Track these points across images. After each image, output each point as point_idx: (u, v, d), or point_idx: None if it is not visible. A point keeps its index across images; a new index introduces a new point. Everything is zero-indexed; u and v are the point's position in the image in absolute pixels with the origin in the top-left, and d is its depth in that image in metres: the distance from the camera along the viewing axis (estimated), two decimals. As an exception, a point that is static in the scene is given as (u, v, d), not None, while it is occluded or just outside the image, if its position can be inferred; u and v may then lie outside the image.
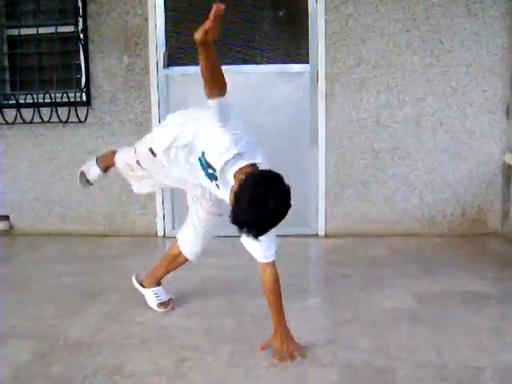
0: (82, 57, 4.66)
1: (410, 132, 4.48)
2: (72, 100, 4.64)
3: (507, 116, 4.41)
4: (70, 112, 4.64)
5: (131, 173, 2.99)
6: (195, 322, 2.94)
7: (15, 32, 4.78)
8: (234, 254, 3.39)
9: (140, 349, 2.65)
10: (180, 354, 2.57)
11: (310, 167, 4.58)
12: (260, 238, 2.20)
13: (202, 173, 2.53)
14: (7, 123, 4.69)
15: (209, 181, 2.53)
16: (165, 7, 4.56)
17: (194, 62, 4.53)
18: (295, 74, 4.55)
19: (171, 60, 4.61)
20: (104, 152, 3.34)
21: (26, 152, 4.84)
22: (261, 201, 2.09)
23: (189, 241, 3.00)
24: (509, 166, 4.39)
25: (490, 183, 4.50)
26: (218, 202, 2.80)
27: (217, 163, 2.35)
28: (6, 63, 4.92)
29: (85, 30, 4.61)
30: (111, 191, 4.75)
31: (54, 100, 4.60)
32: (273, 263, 2.57)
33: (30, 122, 4.66)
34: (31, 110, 4.60)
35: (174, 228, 4.68)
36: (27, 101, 4.63)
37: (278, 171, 2.21)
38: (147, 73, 4.62)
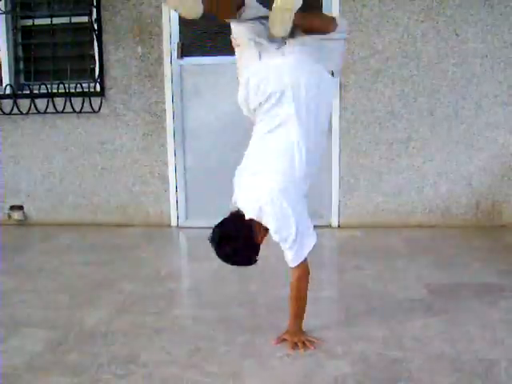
0: (95, 47, 4.68)
1: (425, 123, 4.45)
2: (86, 90, 4.66)
3: (523, 107, 4.37)
4: (83, 102, 4.66)
5: None
6: (209, 312, 2.95)
7: (29, 22, 4.82)
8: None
9: (154, 338, 2.66)
10: (194, 344, 2.57)
11: (323, 157, 4.54)
12: (281, 244, 2.41)
13: None
14: (21, 113, 4.73)
15: None
16: (179, -3, 4.55)
17: (208, 53, 4.58)
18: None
19: (185, 50, 4.61)
20: None
21: (40, 142, 4.87)
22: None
23: None
24: (524, 157, 4.35)
25: (504, 175, 4.46)
26: None
27: None
28: (21, 54, 4.95)
29: (99, 20, 4.62)
30: (125, 181, 4.78)
31: (68, 90, 4.62)
32: (297, 267, 2.47)
33: (44, 112, 4.69)
34: (45, 100, 4.63)
35: (187, 218, 4.69)
36: (41, 91, 4.66)
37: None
38: (161, 63, 4.62)
